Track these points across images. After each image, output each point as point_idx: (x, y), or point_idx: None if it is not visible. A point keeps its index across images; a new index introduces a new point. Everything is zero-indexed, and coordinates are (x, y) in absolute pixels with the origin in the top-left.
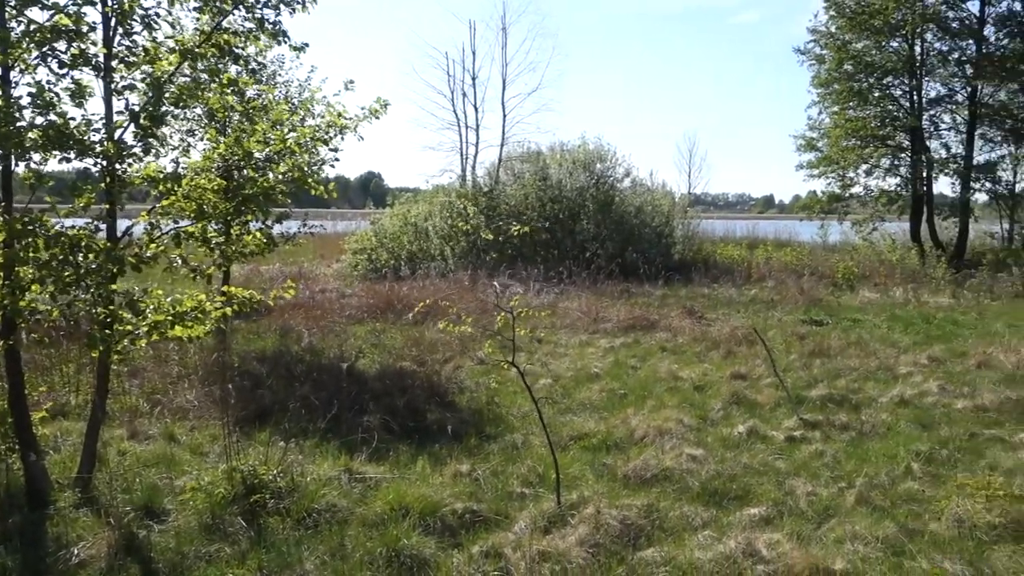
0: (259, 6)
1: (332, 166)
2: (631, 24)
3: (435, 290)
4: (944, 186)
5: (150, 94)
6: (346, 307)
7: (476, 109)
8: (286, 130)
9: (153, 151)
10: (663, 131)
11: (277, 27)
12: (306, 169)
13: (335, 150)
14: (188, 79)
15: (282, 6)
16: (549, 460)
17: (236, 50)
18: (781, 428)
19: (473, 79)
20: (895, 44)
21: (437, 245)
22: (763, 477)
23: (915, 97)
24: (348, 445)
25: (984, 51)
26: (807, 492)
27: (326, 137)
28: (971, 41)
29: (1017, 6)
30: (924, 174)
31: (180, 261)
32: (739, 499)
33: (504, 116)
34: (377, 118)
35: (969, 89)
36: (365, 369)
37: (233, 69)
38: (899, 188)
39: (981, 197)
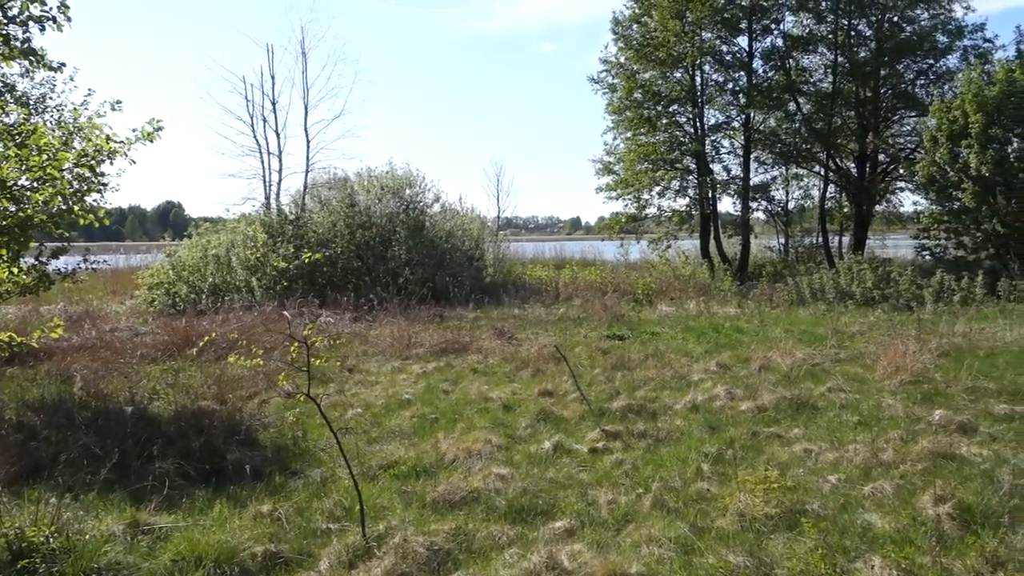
0: (5, 24)
1: (100, 192)
2: (433, 53)
3: (239, 324)
4: (728, 205)
5: None
6: (140, 346)
7: (278, 135)
8: (44, 157)
9: None
10: (472, 157)
11: (27, 45)
12: (70, 197)
13: (102, 175)
14: None
15: (31, 23)
16: (356, 493)
17: None
18: (585, 441)
19: (273, 104)
20: (678, 74)
21: (242, 276)
22: (568, 490)
23: (698, 124)
24: (137, 495)
25: (753, 82)
26: (608, 501)
27: (92, 163)
28: (742, 73)
29: (779, 42)
30: (709, 195)
31: None
32: (545, 514)
33: (308, 142)
34: (151, 141)
35: (743, 116)
36: (160, 411)
37: None
38: (689, 208)
39: (760, 215)
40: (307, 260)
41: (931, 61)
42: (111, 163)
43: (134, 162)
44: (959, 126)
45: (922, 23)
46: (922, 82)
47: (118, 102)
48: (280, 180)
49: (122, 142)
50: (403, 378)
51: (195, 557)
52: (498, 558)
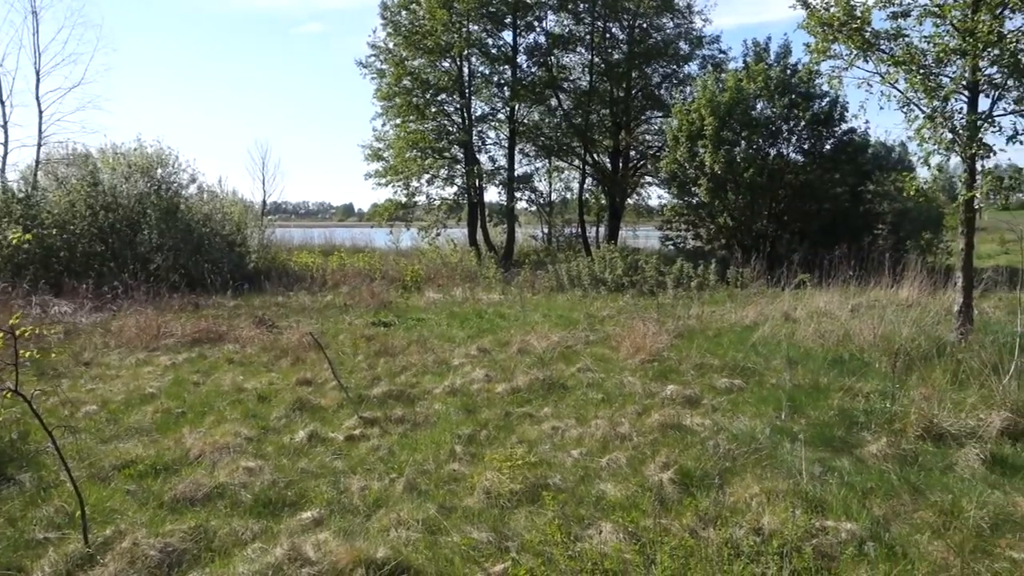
0: None
1: None
2: (190, 25)
3: None
4: (495, 195)
5: None
6: None
7: (3, 103)
8: None
9: None
10: (234, 138)
11: None
12: None
13: None
14: None
15: None
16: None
17: None
18: (342, 428)
19: None
20: (447, 64)
21: None
22: (320, 479)
23: (465, 114)
24: None
25: (518, 76)
26: (361, 487)
27: None
28: (507, 67)
29: (541, 39)
30: (476, 184)
31: None
32: (294, 505)
33: (40, 112)
34: None
35: (508, 109)
36: None
37: None
38: (457, 197)
39: (524, 205)
40: (15, 241)
41: (675, 67)
42: None
43: None
44: (696, 128)
45: (668, 31)
46: (667, 85)
47: None
48: (6, 153)
49: None
50: (148, 371)
51: None
52: (239, 554)
